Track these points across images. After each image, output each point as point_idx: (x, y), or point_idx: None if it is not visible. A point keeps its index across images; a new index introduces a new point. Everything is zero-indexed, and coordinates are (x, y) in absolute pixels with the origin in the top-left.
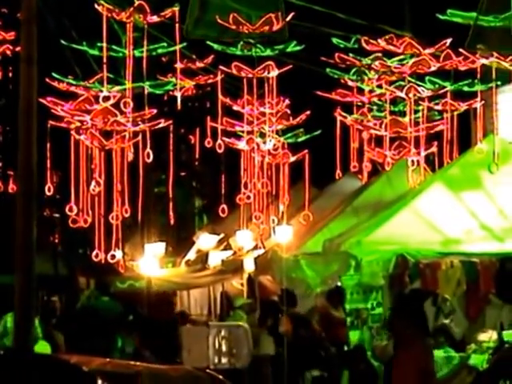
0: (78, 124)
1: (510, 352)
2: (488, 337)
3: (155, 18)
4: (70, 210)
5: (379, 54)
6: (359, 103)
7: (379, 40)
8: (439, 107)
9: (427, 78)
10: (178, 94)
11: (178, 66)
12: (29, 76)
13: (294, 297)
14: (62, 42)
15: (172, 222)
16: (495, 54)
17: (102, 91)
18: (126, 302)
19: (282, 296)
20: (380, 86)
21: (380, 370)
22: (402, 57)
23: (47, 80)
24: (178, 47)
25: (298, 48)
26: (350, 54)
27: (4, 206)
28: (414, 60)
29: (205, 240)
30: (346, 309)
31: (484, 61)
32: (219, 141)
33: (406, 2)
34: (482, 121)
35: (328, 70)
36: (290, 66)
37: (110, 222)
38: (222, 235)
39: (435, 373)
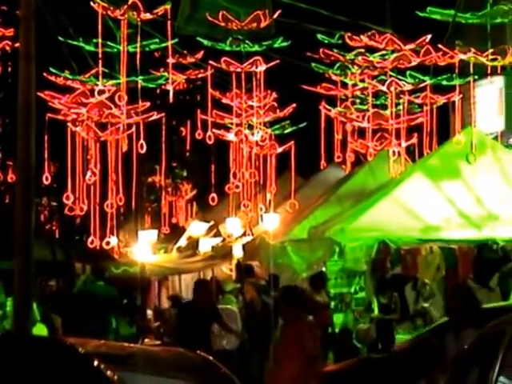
0: (75, 116)
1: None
2: None
3: (148, 16)
4: (67, 198)
5: (362, 50)
6: (343, 97)
7: (362, 36)
8: (419, 100)
9: (408, 72)
10: (170, 88)
11: (170, 61)
12: (27, 71)
13: (251, 268)
14: (59, 38)
15: (164, 210)
16: (472, 50)
17: (97, 85)
18: (121, 287)
19: (239, 268)
20: (363, 80)
21: (363, 351)
22: (383, 52)
23: (45, 74)
24: (169, 43)
25: (284, 44)
26: (334, 50)
27: (4, 194)
28: (395, 55)
29: (195, 227)
30: (330, 293)
31: (462, 56)
32: (209, 132)
33: (387, 0)
34: (460, 113)
35: (313, 64)
36: (277, 61)
37: (105, 210)
38: (211, 223)
39: (320, 354)
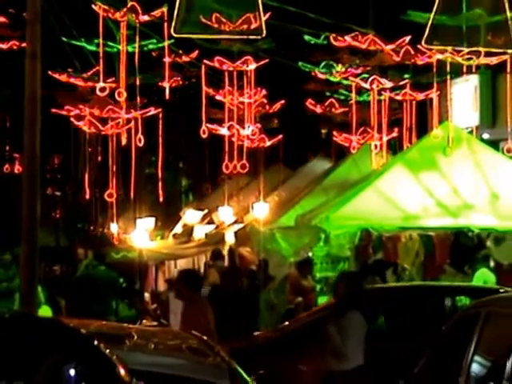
0: (77, 112)
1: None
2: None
3: (146, 18)
4: (71, 188)
5: (346, 50)
6: (328, 93)
7: (346, 37)
8: (399, 97)
9: (389, 71)
10: (167, 85)
11: (167, 60)
12: (33, 69)
13: (220, 253)
14: (63, 38)
15: (161, 199)
16: (449, 50)
17: (98, 82)
18: (121, 271)
19: (231, 254)
20: (346, 78)
21: None
22: (366, 52)
23: (50, 73)
24: (166, 43)
25: (273, 44)
26: (320, 50)
27: (11, 185)
28: (377, 55)
29: (190, 215)
30: (316, 277)
31: (439, 56)
32: (203, 127)
33: (369, 3)
34: (437, 109)
35: (300, 63)
36: (267, 60)
37: (106, 199)
38: (205, 211)
39: (214, 330)
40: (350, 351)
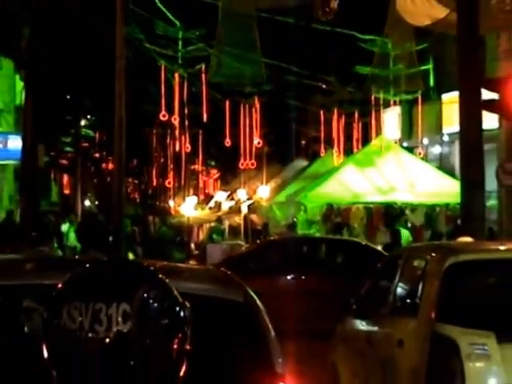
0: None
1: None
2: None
3: (191, 70)
4: (144, 178)
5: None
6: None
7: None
8: (351, 120)
9: (344, 104)
10: (204, 114)
11: (204, 97)
12: (120, 104)
13: (220, 219)
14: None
15: (201, 185)
16: (382, 91)
17: (161, 112)
18: (176, 230)
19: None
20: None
21: None
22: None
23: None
24: (204, 86)
25: (271, 87)
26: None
27: (107, 176)
28: (336, 94)
29: (219, 195)
30: (298, 234)
31: (376, 94)
32: (227, 139)
33: (332, 61)
34: (375, 128)
35: (289, 100)
36: (267, 98)
37: (166, 185)
38: (229, 192)
39: None
40: None
